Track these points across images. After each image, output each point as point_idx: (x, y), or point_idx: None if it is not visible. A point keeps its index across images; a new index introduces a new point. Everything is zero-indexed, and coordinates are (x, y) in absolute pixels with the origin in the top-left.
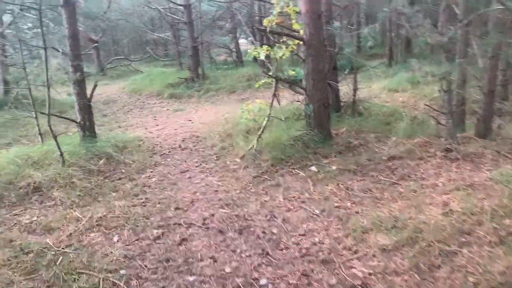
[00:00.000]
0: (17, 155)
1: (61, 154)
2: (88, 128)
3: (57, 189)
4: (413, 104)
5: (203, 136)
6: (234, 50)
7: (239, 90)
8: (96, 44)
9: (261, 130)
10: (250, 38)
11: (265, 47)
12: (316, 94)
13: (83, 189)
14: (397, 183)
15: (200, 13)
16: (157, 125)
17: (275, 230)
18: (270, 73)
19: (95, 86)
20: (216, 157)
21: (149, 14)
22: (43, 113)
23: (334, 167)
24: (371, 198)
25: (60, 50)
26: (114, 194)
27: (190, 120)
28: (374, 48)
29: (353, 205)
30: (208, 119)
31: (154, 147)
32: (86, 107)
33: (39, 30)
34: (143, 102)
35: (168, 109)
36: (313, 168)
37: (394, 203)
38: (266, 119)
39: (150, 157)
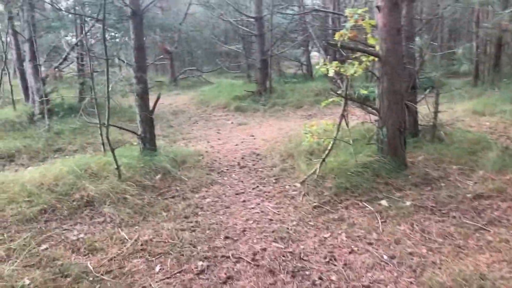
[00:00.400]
0: (78, 164)
1: (118, 168)
2: (148, 141)
3: (108, 204)
4: (502, 131)
5: (264, 155)
6: (304, 63)
7: (306, 105)
8: (170, 55)
9: (325, 153)
10: (321, 52)
11: (334, 63)
12: (391, 116)
13: (135, 206)
14: (485, 229)
15: (272, 26)
16: (219, 139)
17: (334, 277)
18: (339, 92)
19: (158, 98)
20: (274, 179)
21: (222, 26)
22: (102, 124)
23: (408, 203)
24: (452, 245)
25: (124, 61)
26: (164, 214)
27: (253, 136)
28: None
29: (430, 252)
30: (271, 136)
31: (213, 163)
32: (147, 120)
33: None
34: (209, 114)
35: (232, 123)
36: (384, 202)
37: (481, 255)
38: (331, 142)
39: (208, 174)
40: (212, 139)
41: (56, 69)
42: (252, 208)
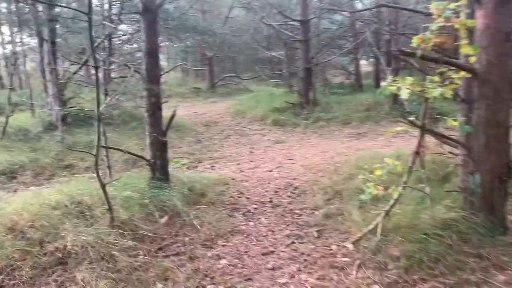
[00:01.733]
0: (70, 194)
1: (110, 209)
2: (159, 169)
3: (86, 265)
4: None
5: (303, 189)
6: (353, 72)
7: (355, 122)
8: (209, 60)
9: (390, 204)
10: (371, 60)
11: (408, 79)
12: (488, 158)
13: (122, 269)
14: None
15: (319, 30)
16: (251, 161)
17: None
18: (412, 118)
19: (172, 117)
20: (317, 231)
21: (265, 30)
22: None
23: None
24: None
25: (131, 68)
26: (160, 286)
27: (291, 159)
28: None
29: None
30: (313, 161)
31: (239, 197)
32: (159, 143)
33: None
34: (244, 127)
35: (268, 139)
36: None
37: None
38: (399, 189)
39: (229, 215)
40: (243, 161)
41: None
42: (284, 284)
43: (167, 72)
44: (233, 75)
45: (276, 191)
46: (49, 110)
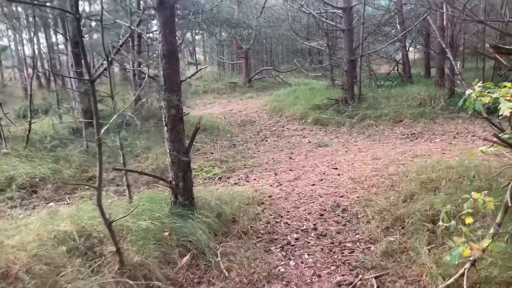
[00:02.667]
0: (80, 224)
1: (118, 252)
2: (181, 192)
3: None
4: None
5: (354, 211)
6: (400, 62)
7: (408, 119)
8: (245, 53)
9: (474, 255)
10: (418, 47)
11: (508, 87)
12: None
13: None
14: None
15: (364, 18)
16: (290, 170)
17: None
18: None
19: (196, 132)
20: (376, 278)
21: (304, 19)
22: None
23: None
24: None
25: (146, 72)
26: None
27: (336, 168)
28: None
29: None
30: (363, 172)
31: (276, 222)
32: (181, 162)
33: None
34: (282, 127)
35: (309, 142)
36: None
37: None
38: (494, 229)
39: (266, 250)
40: (281, 170)
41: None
42: None
43: (190, 77)
44: (270, 68)
45: (321, 214)
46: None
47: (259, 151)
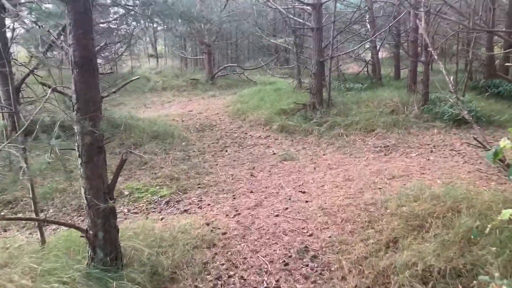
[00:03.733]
0: None
1: None
2: (102, 245)
3: None
4: None
5: (325, 259)
6: (370, 62)
7: (380, 129)
8: (208, 48)
9: None
10: (386, 46)
11: None
12: None
13: None
14: None
15: (335, 16)
16: (251, 193)
17: None
18: None
19: (121, 166)
20: None
21: (271, 15)
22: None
23: None
24: None
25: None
26: None
27: (304, 192)
28: None
29: None
30: (334, 199)
31: (229, 277)
32: (99, 210)
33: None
34: (245, 134)
35: (274, 153)
36: None
37: None
38: None
39: None
40: (240, 192)
41: None
42: None
43: (115, 91)
44: (235, 64)
45: (285, 263)
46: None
47: (217, 164)
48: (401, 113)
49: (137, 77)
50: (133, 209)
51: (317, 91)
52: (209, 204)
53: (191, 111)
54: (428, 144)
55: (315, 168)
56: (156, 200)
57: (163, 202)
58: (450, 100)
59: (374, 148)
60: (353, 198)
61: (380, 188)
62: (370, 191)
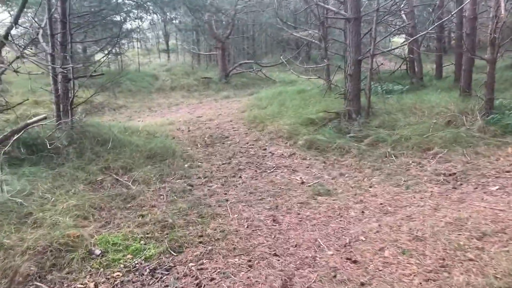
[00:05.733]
0: None
1: None
2: None
3: None
4: None
5: None
6: (408, 59)
7: (438, 147)
8: (221, 43)
9: None
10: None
11: None
12: None
13: None
14: None
15: (378, 3)
16: (274, 256)
17: None
18: None
19: None
20: None
21: (292, 5)
22: None
23: None
24: None
25: None
26: None
27: (355, 262)
28: None
29: None
30: (409, 284)
31: None
32: None
33: None
34: (264, 151)
35: (302, 182)
36: None
37: None
38: None
39: None
40: (259, 253)
41: None
42: None
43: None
44: (251, 61)
45: None
46: None
47: (227, 200)
48: (461, 125)
49: (101, 73)
50: (103, 282)
51: (354, 96)
52: (212, 279)
53: (201, 116)
54: (508, 171)
55: (363, 212)
56: (137, 267)
57: (147, 270)
58: None
59: (437, 177)
60: (436, 282)
61: (472, 260)
62: (459, 267)
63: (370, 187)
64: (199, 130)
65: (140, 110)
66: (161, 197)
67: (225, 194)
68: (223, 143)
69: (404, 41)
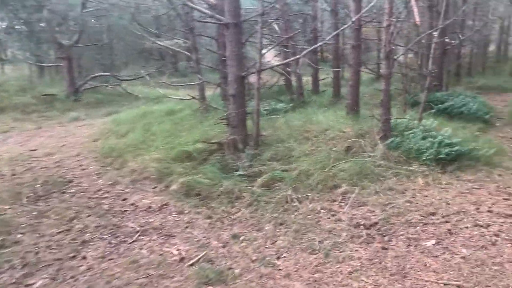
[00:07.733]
0: None
1: None
2: None
3: None
4: None
5: None
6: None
7: (346, 185)
8: (66, 53)
9: None
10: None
11: None
12: None
13: None
14: None
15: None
16: None
17: None
18: None
19: None
20: None
21: (154, 10)
22: None
23: None
24: None
25: None
26: None
27: None
28: None
29: None
30: None
31: None
32: None
33: None
34: (123, 207)
35: (181, 258)
36: None
37: None
38: None
39: None
40: None
41: None
42: None
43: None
44: (108, 74)
45: None
46: None
47: None
48: (361, 151)
49: None
50: None
51: (239, 122)
52: None
53: (35, 150)
54: (433, 214)
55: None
56: None
57: None
58: (415, 128)
59: (357, 231)
60: None
61: None
62: None
63: (278, 257)
64: (30, 172)
65: None
66: None
67: None
68: (63, 193)
69: (279, 53)
